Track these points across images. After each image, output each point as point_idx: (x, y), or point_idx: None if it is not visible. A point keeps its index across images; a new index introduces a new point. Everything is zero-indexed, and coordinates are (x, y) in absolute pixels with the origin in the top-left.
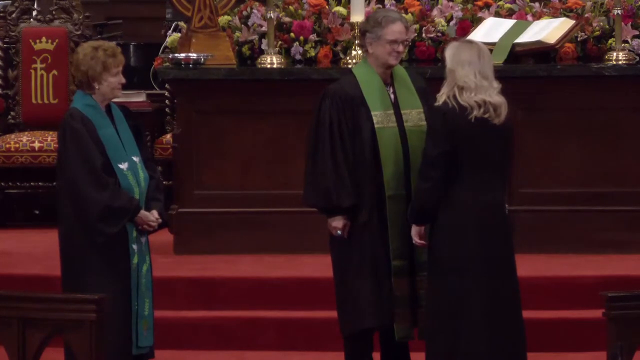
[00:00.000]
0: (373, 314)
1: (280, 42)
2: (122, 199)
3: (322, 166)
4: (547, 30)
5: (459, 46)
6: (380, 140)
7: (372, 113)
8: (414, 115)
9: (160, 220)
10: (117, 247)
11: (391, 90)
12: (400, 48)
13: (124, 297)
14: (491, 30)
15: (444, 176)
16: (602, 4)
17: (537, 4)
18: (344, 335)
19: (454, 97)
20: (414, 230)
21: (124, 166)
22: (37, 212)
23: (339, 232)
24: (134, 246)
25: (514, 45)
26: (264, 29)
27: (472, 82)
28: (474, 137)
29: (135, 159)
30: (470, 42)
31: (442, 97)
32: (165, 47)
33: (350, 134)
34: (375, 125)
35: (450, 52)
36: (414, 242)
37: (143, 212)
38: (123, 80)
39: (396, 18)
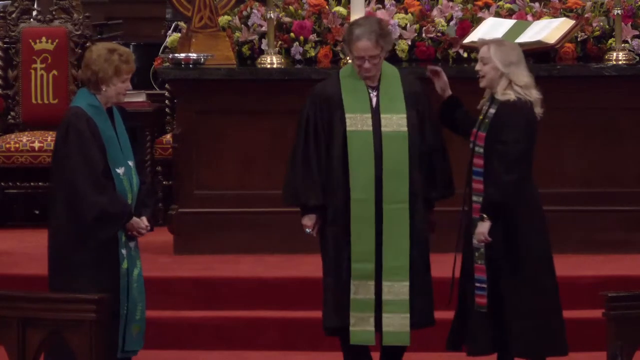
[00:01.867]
0: (335, 314)
1: (280, 42)
2: (119, 204)
3: (295, 165)
4: (547, 30)
5: (503, 47)
6: (350, 143)
7: (346, 115)
8: (394, 121)
9: (149, 228)
10: (107, 251)
11: (375, 93)
12: (367, 65)
13: (114, 302)
14: (491, 30)
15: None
16: (602, 4)
17: (537, 4)
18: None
19: (523, 93)
20: (485, 227)
21: (120, 170)
22: (37, 212)
23: (307, 230)
24: (123, 251)
25: None
26: (264, 29)
27: (528, 80)
28: (537, 131)
29: (130, 163)
30: (508, 42)
31: (509, 95)
32: (165, 47)
33: (326, 135)
34: (347, 128)
35: (498, 54)
36: (478, 240)
37: (134, 219)
38: (129, 87)
39: (360, 36)
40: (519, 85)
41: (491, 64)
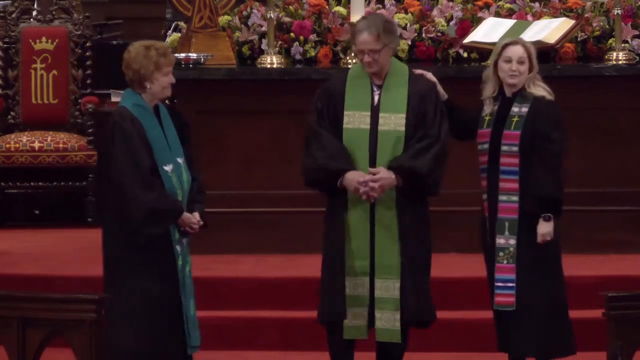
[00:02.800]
0: (327, 308)
1: (280, 42)
2: (168, 201)
3: (317, 141)
4: (547, 30)
5: (532, 47)
6: (346, 141)
7: (345, 113)
8: (392, 120)
9: (201, 223)
10: (162, 249)
11: (378, 92)
12: (367, 58)
13: (174, 299)
14: (491, 30)
15: None
16: (602, 3)
17: (537, 4)
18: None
19: (546, 89)
20: (551, 226)
21: (168, 168)
22: (37, 212)
23: (363, 186)
24: (178, 247)
25: None
26: (264, 29)
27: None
28: None
29: (179, 160)
30: (522, 39)
31: (542, 92)
32: None
33: (333, 128)
34: (344, 126)
35: (534, 53)
36: (542, 241)
37: (186, 214)
38: (173, 80)
39: (362, 29)
40: (539, 80)
41: (527, 63)
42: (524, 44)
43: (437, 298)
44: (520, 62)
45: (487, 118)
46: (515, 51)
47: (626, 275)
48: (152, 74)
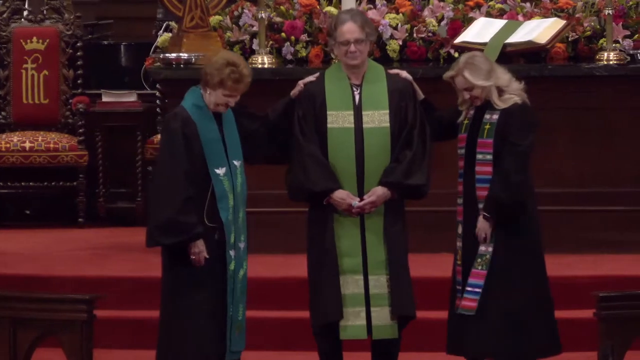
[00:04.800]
0: (324, 309)
1: (271, 42)
2: (188, 217)
3: (302, 158)
4: (538, 30)
5: (473, 65)
6: (331, 140)
7: (328, 112)
8: (376, 117)
9: (206, 256)
10: (215, 253)
11: (358, 91)
12: (352, 48)
13: (219, 303)
14: (482, 30)
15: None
16: (593, 4)
17: (528, 4)
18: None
19: (519, 95)
20: (489, 225)
21: (220, 171)
22: (28, 212)
23: (354, 202)
24: (232, 252)
25: (505, 45)
26: (255, 29)
27: (507, 76)
28: None
29: (236, 162)
30: (469, 54)
31: (512, 99)
32: (156, 47)
33: (314, 131)
34: (328, 125)
35: (475, 74)
36: (479, 238)
37: (199, 243)
38: (231, 104)
39: (346, 19)
40: (504, 85)
41: (476, 87)
42: (457, 73)
43: (431, 297)
44: (469, 89)
45: (465, 122)
46: (459, 84)
47: (620, 275)
48: (214, 86)
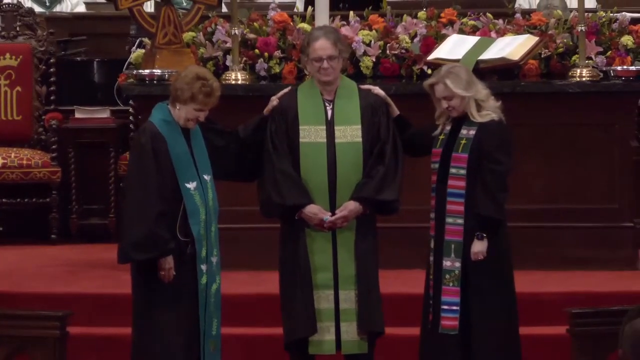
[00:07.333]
0: (298, 325)
1: (244, 59)
2: (161, 232)
3: (274, 173)
4: (511, 47)
5: (454, 75)
6: (303, 155)
7: (300, 127)
8: (348, 132)
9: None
10: (185, 267)
11: (331, 106)
12: (325, 64)
13: (193, 318)
14: (455, 47)
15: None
16: (566, 20)
17: (500, 21)
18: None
19: (495, 111)
20: (485, 246)
21: (191, 185)
22: (0, 228)
23: (326, 217)
24: (203, 266)
25: (478, 61)
26: (228, 45)
27: (486, 91)
28: None
29: (206, 177)
30: (451, 65)
31: (490, 115)
32: (130, 63)
33: (287, 146)
34: (301, 140)
35: (455, 83)
36: (475, 258)
37: (168, 259)
38: (201, 119)
39: (319, 35)
40: (482, 99)
41: (456, 97)
42: (438, 82)
43: (402, 314)
44: (448, 99)
45: (440, 138)
46: (439, 92)
47: (590, 292)
48: (184, 101)
